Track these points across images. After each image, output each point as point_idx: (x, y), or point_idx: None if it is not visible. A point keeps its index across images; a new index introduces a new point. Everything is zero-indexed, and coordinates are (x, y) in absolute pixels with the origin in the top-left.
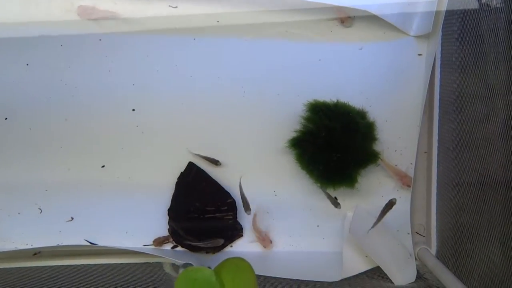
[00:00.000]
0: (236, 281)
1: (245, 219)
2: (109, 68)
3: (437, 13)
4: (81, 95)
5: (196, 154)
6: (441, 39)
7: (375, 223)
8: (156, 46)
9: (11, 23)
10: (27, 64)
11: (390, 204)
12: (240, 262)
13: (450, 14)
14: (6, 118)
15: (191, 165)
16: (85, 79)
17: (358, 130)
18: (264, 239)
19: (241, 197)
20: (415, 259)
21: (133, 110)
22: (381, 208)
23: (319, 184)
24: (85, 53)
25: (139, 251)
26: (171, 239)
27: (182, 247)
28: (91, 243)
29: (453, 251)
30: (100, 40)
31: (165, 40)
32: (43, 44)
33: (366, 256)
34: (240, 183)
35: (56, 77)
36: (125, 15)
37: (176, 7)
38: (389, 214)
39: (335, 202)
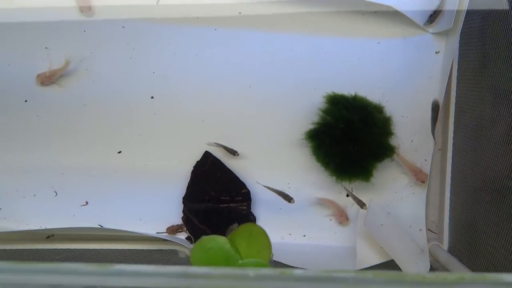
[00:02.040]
0: (251, 246)
1: (259, 210)
2: (130, 55)
3: (458, 10)
4: (101, 81)
5: (215, 143)
6: (460, 37)
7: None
8: (178, 35)
9: (34, 7)
10: (46, 47)
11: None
12: (253, 228)
13: (470, 11)
14: (26, 101)
15: (207, 154)
16: (105, 65)
17: (375, 124)
18: (341, 214)
19: (277, 193)
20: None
21: (152, 97)
22: (394, 204)
23: (341, 182)
24: (107, 39)
25: (154, 236)
26: (185, 228)
27: (195, 236)
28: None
29: (467, 246)
30: (123, 27)
31: (187, 29)
32: (65, 29)
33: (381, 248)
34: (267, 186)
35: (77, 62)
36: (148, 3)
37: None
38: (403, 211)
39: (360, 202)
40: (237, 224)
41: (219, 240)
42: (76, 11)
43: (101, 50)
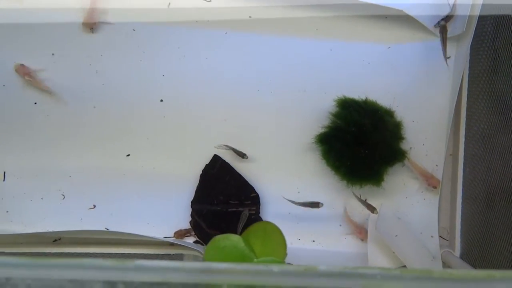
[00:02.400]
0: (265, 244)
1: (268, 214)
2: (140, 58)
3: (470, 16)
4: (111, 83)
5: (224, 145)
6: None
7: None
8: (188, 38)
9: (44, 9)
10: (53, 54)
11: (315, 205)
12: (267, 225)
13: (482, 17)
14: (35, 103)
15: (216, 158)
16: (116, 67)
17: (386, 128)
18: (361, 231)
19: (303, 205)
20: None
21: (161, 100)
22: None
23: (352, 186)
24: (117, 42)
25: (161, 240)
26: (193, 232)
27: (203, 241)
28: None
29: (480, 252)
30: (134, 30)
31: (197, 32)
32: (76, 31)
33: (393, 253)
34: (292, 200)
35: (87, 64)
36: (159, 7)
37: (210, 0)
38: (414, 217)
39: (371, 207)
40: (247, 210)
41: (233, 239)
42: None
43: (111, 53)
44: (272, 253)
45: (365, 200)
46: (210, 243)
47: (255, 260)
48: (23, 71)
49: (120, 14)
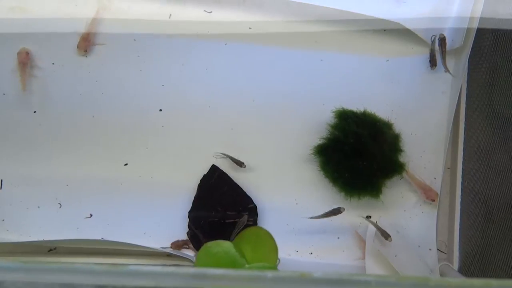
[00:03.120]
0: (256, 250)
1: (266, 225)
2: (140, 68)
3: (468, 29)
4: (110, 93)
5: (222, 154)
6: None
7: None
8: (188, 49)
9: (43, 18)
10: (53, 64)
11: (337, 211)
12: (258, 231)
13: (481, 30)
14: (35, 111)
15: (214, 168)
16: (115, 76)
17: (385, 140)
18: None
19: (326, 215)
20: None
21: (160, 110)
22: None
23: (348, 198)
24: (118, 51)
25: (158, 250)
26: (190, 244)
27: None
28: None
29: (479, 266)
30: (135, 40)
31: (197, 43)
32: (76, 41)
33: (391, 266)
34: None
35: (86, 73)
36: (161, 18)
37: (211, 12)
38: (412, 230)
39: (385, 233)
40: (246, 216)
41: (224, 245)
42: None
43: (112, 62)
44: (263, 258)
45: (377, 223)
46: (202, 249)
47: (246, 266)
48: (22, 58)
49: (121, 25)
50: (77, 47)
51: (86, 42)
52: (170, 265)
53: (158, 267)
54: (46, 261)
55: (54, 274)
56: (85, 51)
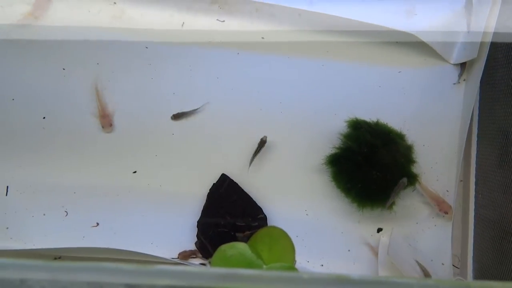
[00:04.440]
0: (273, 250)
1: None
2: (152, 76)
3: (482, 43)
4: (121, 100)
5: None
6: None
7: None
8: (200, 58)
9: (56, 26)
10: (63, 69)
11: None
12: (274, 230)
13: (495, 43)
14: (44, 117)
15: (224, 177)
16: (126, 84)
17: (398, 150)
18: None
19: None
20: None
21: (171, 118)
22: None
23: (361, 209)
24: (129, 59)
25: (166, 260)
26: (199, 254)
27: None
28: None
29: (495, 279)
30: (147, 48)
31: (209, 52)
32: (87, 47)
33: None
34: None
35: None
36: (173, 27)
37: (224, 21)
38: (425, 243)
39: (427, 272)
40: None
41: (239, 247)
42: (94, 30)
43: (123, 70)
44: (280, 258)
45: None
46: (216, 253)
47: (264, 267)
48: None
49: (134, 33)
50: (102, 127)
51: (106, 118)
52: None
53: (188, 267)
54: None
55: (80, 272)
56: (110, 125)
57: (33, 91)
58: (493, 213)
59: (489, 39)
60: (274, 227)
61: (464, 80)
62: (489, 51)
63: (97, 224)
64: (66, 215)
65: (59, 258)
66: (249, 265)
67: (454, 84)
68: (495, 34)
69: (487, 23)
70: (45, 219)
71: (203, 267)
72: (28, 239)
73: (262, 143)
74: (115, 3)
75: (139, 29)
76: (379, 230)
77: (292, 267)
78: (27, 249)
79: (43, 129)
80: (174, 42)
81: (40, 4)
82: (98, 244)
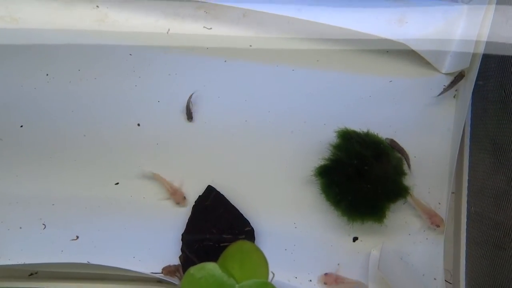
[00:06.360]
0: (245, 266)
1: (263, 249)
2: (136, 83)
3: (474, 53)
4: (104, 108)
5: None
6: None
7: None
8: (186, 65)
9: (38, 29)
10: (47, 74)
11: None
12: (244, 245)
13: (487, 54)
14: (21, 126)
15: (210, 188)
16: (109, 92)
17: (389, 162)
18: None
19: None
20: None
21: (155, 127)
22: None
23: (351, 222)
24: (113, 65)
25: (148, 275)
26: (182, 271)
27: None
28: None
29: None
30: (131, 54)
31: (196, 59)
32: (70, 53)
33: None
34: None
35: (79, 88)
36: (158, 32)
37: (211, 28)
38: (416, 257)
39: None
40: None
41: (208, 267)
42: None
43: (106, 77)
44: (253, 274)
45: None
46: (185, 277)
47: (237, 286)
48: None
49: (118, 38)
50: (177, 204)
51: (177, 194)
52: None
53: None
54: (24, 287)
55: None
56: (184, 198)
57: (11, 97)
58: (486, 226)
59: (481, 48)
60: (244, 242)
61: (456, 91)
62: (481, 61)
63: (77, 237)
64: (44, 228)
65: (36, 273)
66: (221, 286)
67: (436, 97)
68: (488, 43)
69: (479, 32)
70: (21, 232)
71: None
72: (3, 254)
73: (461, 76)
74: (97, 6)
75: (123, 33)
76: (355, 239)
77: (266, 283)
78: (1, 264)
79: (20, 137)
80: (158, 48)
81: None
82: (78, 259)
